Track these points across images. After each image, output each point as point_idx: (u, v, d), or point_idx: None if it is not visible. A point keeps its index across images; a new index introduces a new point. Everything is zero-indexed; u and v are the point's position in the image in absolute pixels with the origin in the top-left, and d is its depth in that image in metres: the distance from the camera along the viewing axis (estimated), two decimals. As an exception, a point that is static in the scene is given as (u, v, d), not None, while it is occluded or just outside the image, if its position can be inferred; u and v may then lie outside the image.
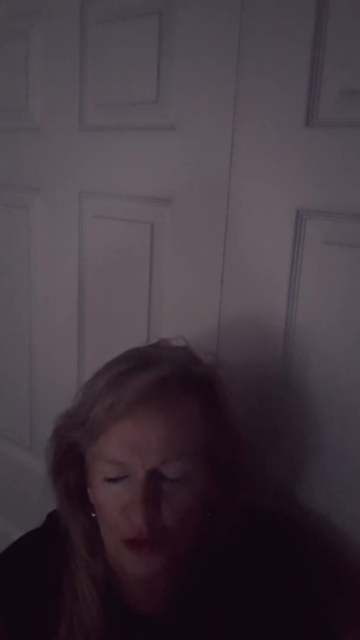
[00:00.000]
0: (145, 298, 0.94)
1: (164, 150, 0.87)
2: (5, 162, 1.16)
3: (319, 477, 0.76)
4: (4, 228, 1.20)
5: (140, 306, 0.95)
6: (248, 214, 0.77)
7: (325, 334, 0.73)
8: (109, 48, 0.92)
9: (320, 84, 0.69)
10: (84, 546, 0.65)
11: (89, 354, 1.07)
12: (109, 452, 0.59)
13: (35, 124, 1.07)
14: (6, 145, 1.15)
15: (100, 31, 0.93)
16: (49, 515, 0.73)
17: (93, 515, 0.64)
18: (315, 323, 0.74)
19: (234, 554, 0.65)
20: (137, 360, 0.62)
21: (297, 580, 0.65)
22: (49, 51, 1.02)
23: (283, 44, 0.71)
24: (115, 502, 0.59)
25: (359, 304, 0.69)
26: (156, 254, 0.91)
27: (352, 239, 0.68)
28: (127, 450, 0.58)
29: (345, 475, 0.74)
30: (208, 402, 0.62)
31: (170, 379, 0.59)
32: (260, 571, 0.65)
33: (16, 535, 0.74)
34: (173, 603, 0.65)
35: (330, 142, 0.68)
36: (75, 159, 1.01)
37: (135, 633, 0.64)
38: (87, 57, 0.96)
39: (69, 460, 0.64)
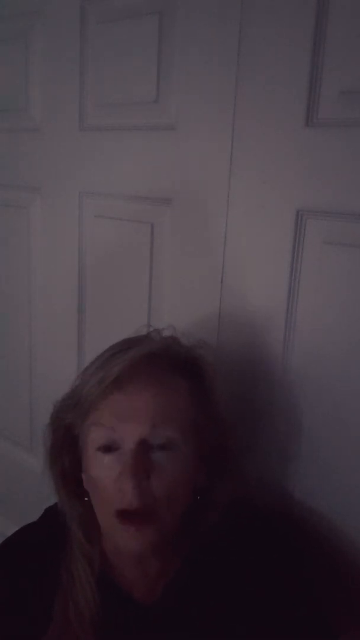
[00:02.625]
0: (145, 298, 0.94)
1: (164, 150, 0.87)
2: (5, 162, 1.16)
3: (316, 473, 0.76)
4: (4, 228, 1.20)
5: (140, 306, 0.95)
6: (248, 214, 0.77)
7: (325, 334, 0.73)
8: (109, 48, 0.92)
9: (320, 84, 0.69)
10: (81, 530, 0.66)
11: (89, 353, 1.07)
12: (99, 420, 0.61)
13: (35, 124, 1.07)
14: (6, 145, 1.15)
15: (100, 31, 0.93)
16: (46, 510, 0.74)
17: (87, 499, 0.65)
18: (315, 323, 0.74)
19: (230, 544, 0.66)
20: (126, 343, 0.66)
21: (294, 573, 0.66)
22: (49, 51, 1.02)
23: (283, 44, 0.71)
24: (107, 475, 0.60)
25: (358, 304, 0.69)
26: (156, 253, 0.91)
27: (352, 239, 0.68)
28: (117, 419, 0.60)
29: (342, 471, 0.74)
30: (195, 383, 0.65)
31: (157, 355, 0.63)
32: (257, 563, 0.65)
33: (16, 535, 0.74)
34: (169, 591, 0.66)
35: (330, 142, 0.68)
36: (75, 159, 1.01)
37: (132, 620, 0.65)
38: (87, 57, 0.96)
39: (65, 444, 0.66)
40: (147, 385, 0.61)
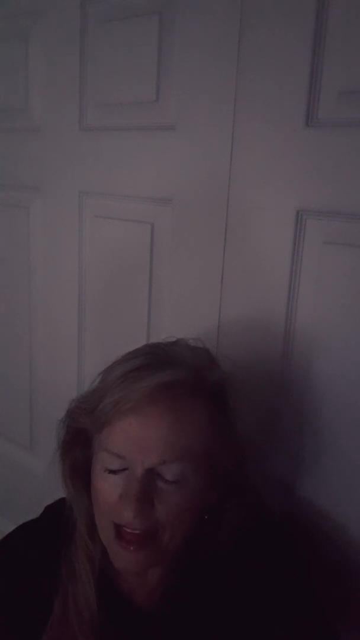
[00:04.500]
0: (145, 298, 0.94)
1: (164, 150, 0.87)
2: (5, 162, 1.16)
3: (322, 474, 0.76)
4: (4, 228, 1.20)
5: (140, 306, 0.95)
6: (248, 214, 0.78)
7: (326, 334, 0.73)
8: (109, 48, 0.92)
9: (320, 84, 0.69)
10: (86, 527, 0.66)
11: (89, 353, 1.08)
12: (111, 444, 0.60)
13: (35, 124, 1.07)
14: (6, 145, 1.15)
15: (100, 31, 0.93)
16: (47, 508, 0.74)
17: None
18: (315, 323, 0.74)
19: (232, 550, 0.66)
20: (153, 359, 0.63)
21: (296, 578, 0.65)
22: (49, 51, 1.02)
23: (283, 44, 0.71)
24: (112, 491, 0.60)
25: (358, 304, 0.69)
26: (156, 254, 0.91)
27: (352, 239, 0.68)
28: (129, 446, 0.59)
29: (349, 473, 0.74)
30: (216, 409, 0.62)
31: (180, 383, 0.60)
32: (258, 568, 0.65)
33: (16, 535, 0.74)
34: (168, 595, 0.65)
35: (330, 142, 0.68)
36: (75, 159, 1.01)
37: (130, 623, 0.65)
38: (87, 57, 0.96)
39: (77, 442, 0.65)
40: (164, 413, 0.59)
